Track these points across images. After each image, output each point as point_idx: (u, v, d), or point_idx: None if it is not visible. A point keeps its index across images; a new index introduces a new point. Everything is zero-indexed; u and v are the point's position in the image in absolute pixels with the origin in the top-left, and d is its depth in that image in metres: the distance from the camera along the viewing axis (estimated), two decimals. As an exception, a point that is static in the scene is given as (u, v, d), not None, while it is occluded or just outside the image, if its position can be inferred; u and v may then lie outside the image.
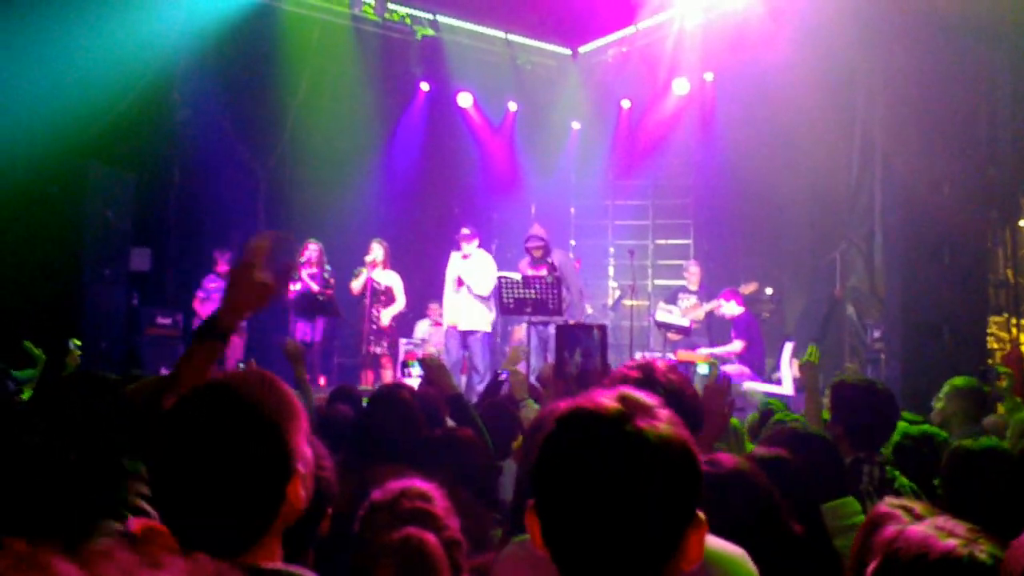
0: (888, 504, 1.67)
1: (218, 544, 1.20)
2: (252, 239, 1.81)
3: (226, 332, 1.72)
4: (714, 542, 1.61)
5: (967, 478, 2.36)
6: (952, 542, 1.31)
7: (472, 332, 8.21)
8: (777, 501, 1.85)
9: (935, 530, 1.35)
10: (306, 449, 1.30)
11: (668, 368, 2.05)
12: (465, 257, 8.25)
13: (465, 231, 8.29)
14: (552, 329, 6.46)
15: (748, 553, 1.66)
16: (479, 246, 8.37)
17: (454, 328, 8.30)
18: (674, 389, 1.92)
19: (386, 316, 8.43)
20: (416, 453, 2.42)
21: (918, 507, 1.60)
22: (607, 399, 1.07)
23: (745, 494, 1.87)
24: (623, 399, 1.07)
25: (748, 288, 8.81)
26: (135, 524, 1.23)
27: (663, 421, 1.05)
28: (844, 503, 2.41)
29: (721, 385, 3.11)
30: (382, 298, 8.51)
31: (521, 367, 7.92)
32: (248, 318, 1.84)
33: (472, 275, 8.16)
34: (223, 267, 8.50)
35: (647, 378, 1.92)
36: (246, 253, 1.77)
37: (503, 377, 6.88)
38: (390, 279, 8.54)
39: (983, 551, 1.31)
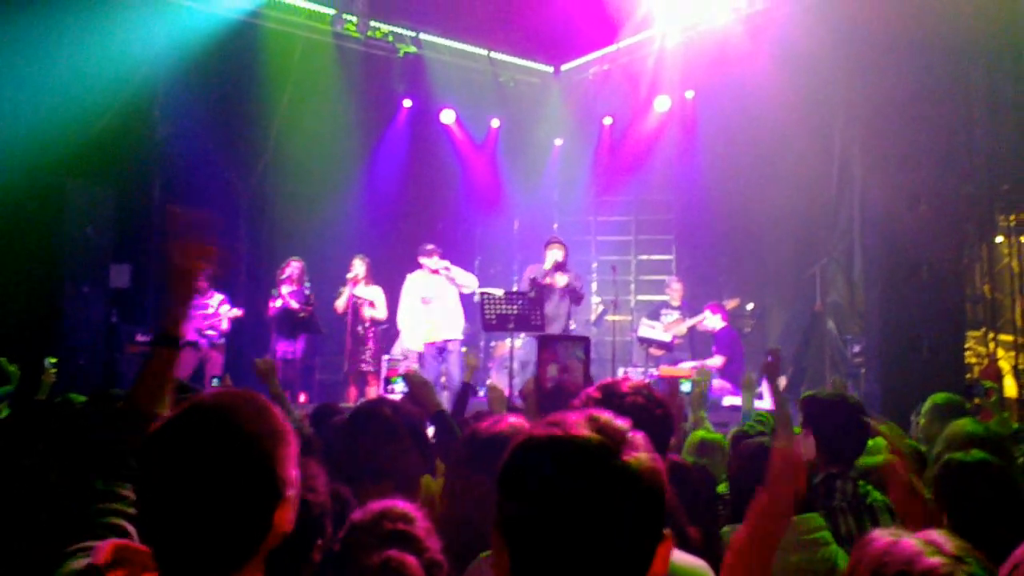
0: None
1: (202, 568, 1.18)
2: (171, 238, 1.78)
3: (171, 336, 1.68)
4: (678, 556, 1.63)
5: (959, 490, 2.37)
6: (937, 560, 1.31)
7: (450, 343, 8.24)
8: (672, 507, 1.86)
9: (924, 545, 1.35)
10: (294, 473, 1.28)
11: (634, 388, 2.02)
12: (434, 272, 8.27)
13: (428, 247, 8.32)
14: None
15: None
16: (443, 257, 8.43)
17: (430, 344, 8.29)
18: (639, 407, 1.92)
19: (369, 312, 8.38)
20: (396, 470, 2.41)
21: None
22: (582, 426, 1.05)
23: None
24: (599, 427, 1.06)
25: (730, 304, 8.87)
26: (104, 549, 1.21)
27: (641, 450, 1.05)
28: (806, 518, 2.41)
29: (675, 392, 3.12)
30: (365, 317, 8.50)
31: (504, 382, 7.97)
32: (187, 310, 1.82)
33: (458, 277, 8.21)
34: (199, 284, 8.45)
35: (607, 399, 1.92)
36: (168, 251, 1.76)
37: (480, 393, 6.87)
38: (373, 293, 8.53)
39: (964, 571, 1.31)
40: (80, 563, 1.30)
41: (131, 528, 1.41)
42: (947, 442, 3.09)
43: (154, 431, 1.25)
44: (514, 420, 2.21)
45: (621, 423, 1.08)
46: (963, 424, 3.21)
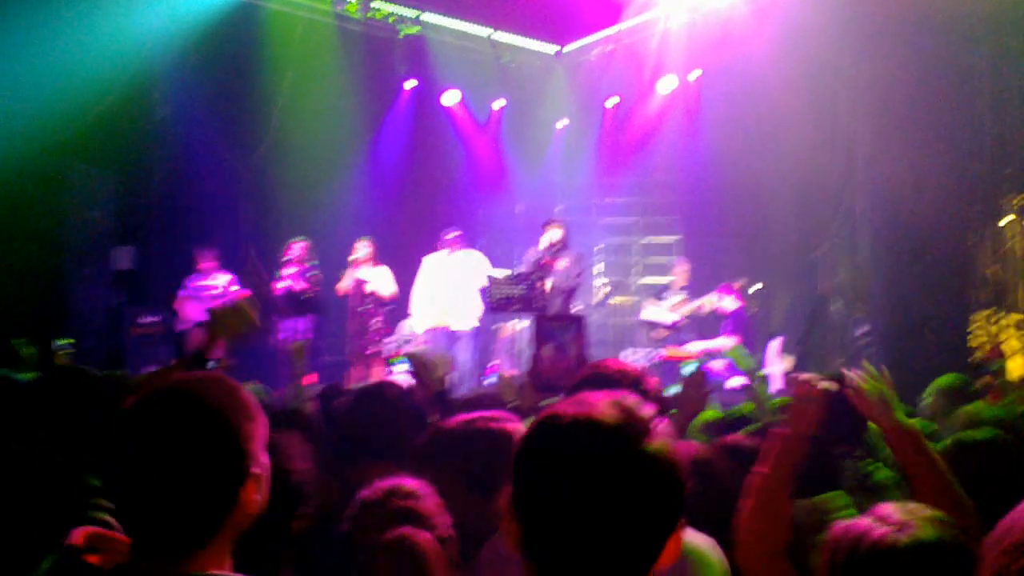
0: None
1: (167, 544, 1.19)
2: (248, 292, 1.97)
3: (207, 361, 1.76)
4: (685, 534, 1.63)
5: (967, 468, 2.36)
6: (882, 531, 1.32)
7: (463, 331, 8.25)
8: (735, 490, 1.88)
9: (875, 520, 1.35)
10: (263, 453, 1.29)
11: (617, 369, 2.09)
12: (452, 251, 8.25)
13: (454, 234, 8.30)
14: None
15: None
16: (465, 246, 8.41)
17: (444, 328, 8.29)
18: (631, 381, 1.95)
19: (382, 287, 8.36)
20: (401, 449, 2.40)
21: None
22: (607, 408, 1.05)
23: (703, 482, 1.90)
24: (625, 411, 1.05)
25: (736, 284, 8.85)
26: (77, 533, 1.22)
27: (664, 438, 1.05)
28: (832, 496, 2.41)
29: (697, 377, 3.14)
30: (370, 298, 8.51)
31: (509, 363, 7.98)
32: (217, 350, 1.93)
33: (478, 273, 8.21)
34: (205, 264, 8.46)
35: (599, 378, 1.94)
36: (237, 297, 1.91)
37: (492, 380, 6.87)
38: (380, 274, 8.52)
39: (907, 535, 1.31)
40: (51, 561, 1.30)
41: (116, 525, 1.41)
42: (965, 426, 3.07)
43: (125, 409, 1.26)
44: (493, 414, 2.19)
45: (646, 408, 1.08)
46: (979, 408, 3.20)
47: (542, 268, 7.80)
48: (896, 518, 1.34)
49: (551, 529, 1.01)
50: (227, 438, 1.23)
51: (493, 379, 6.83)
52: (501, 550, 1.83)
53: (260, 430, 1.29)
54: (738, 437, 2.57)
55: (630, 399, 1.08)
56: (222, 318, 1.77)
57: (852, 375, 2.13)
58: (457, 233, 8.30)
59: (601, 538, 1.00)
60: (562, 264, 7.93)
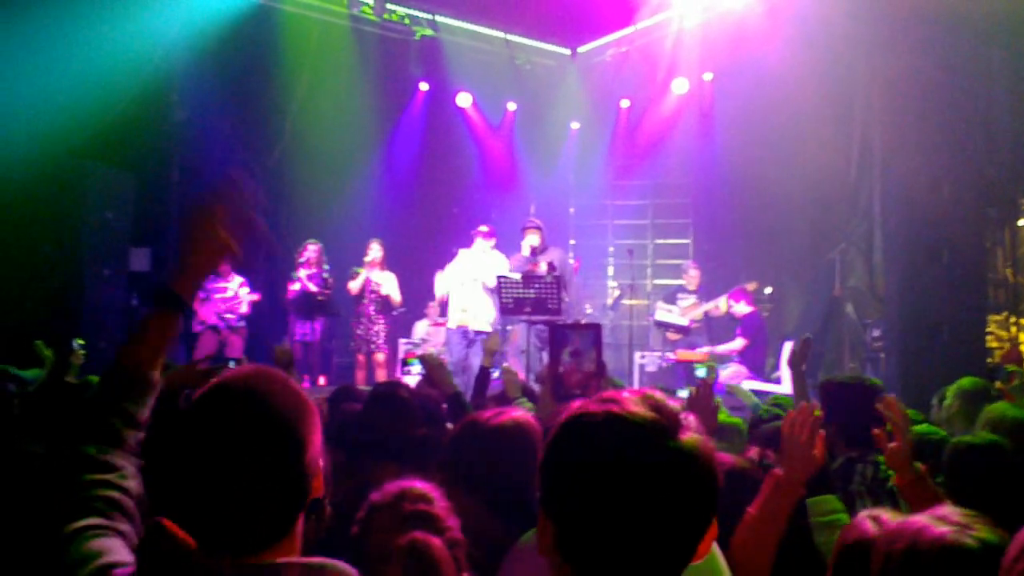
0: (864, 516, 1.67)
1: (243, 545, 1.19)
2: (214, 188, 1.66)
3: (181, 299, 1.53)
4: None
5: (968, 473, 2.36)
6: (944, 528, 1.32)
7: (481, 333, 8.25)
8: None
9: (931, 519, 1.35)
10: (320, 444, 1.30)
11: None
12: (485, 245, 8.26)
13: (483, 228, 8.28)
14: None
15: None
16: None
17: (464, 328, 8.26)
18: None
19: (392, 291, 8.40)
20: (413, 451, 2.42)
21: (886, 515, 1.60)
22: (638, 405, 1.04)
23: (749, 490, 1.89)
24: (655, 406, 1.05)
25: (749, 286, 8.82)
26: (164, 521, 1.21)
27: (695, 431, 1.05)
28: (823, 500, 2.40)
29: (703, 390, 3.13)
30: (378, 301, 8.53)
31: (520, 366, 7.97)
32: (203, 278, 1.65)
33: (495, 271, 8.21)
34: (224, 266, 8.50)
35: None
36: (204, 212, 1.61)
37: (495, 374, 6.88)
38: (386, 279, 8.55)
39: (972, 536, 1.31)
40: (93, 544, 1.27)
41: (126, 500, 1.37)
42: (989, 427, 3.05)
43: (185, 411, 1.25)
44: (517, 414, 2.20)
45: (675, 404, 1.07)
46: (1003, 408, 3.18)
47: (530, 273, 7.74)
48: (955, 518, 1.34)
49: (586, 528, 1.01)
50: (295, 437, 1.23)
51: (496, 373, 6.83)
52: (525, 557, 1.84)
53: (317, 421, 1.30)
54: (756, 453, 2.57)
55: (658, 394, 1.08)
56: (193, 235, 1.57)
57: (891, 409, 2.07)
58: (485, 229, 8.31)
59: (637, 535, 0.99)
60: (543, 266, 7.84)
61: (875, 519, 1.57)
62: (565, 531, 1.02)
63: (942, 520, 1.34)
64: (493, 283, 7.87)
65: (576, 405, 1.08)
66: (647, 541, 1.00)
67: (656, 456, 1.00)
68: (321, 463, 1.28)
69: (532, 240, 7.95)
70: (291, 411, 1.24)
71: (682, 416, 1.05)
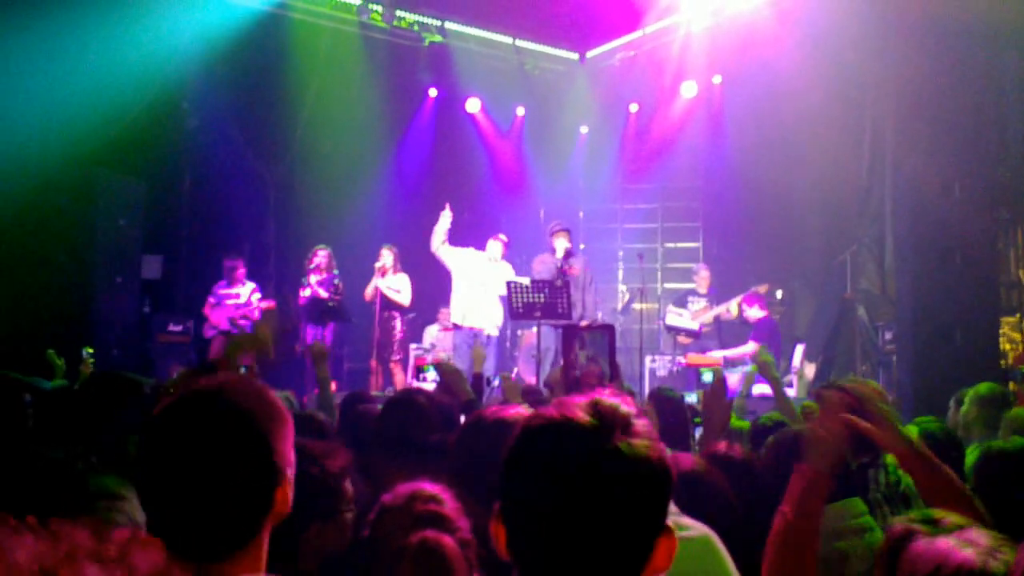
0: (905, 520, 1.65)
1: (207, 548, 1.20)
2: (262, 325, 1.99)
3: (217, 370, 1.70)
4: (681, 522, 1.64)
5: (999, 479, 2.33)
6: (969, 552, 1.31)
7: (490, 337, 8.30)
8: (731, 500, 1.86)
9: (957, 541, 1.34)
10: (291, 454, 1.31)
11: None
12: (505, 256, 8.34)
13: (503, 238, 8.39)
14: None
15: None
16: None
17: (471, 330, 8.31)
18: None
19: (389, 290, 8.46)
20: (428, 457, 2.42)
21: (939, 515, 1.58)
22: (580, 409, 1.04)
23: (702, 492, 1.89)
24: (597, 410, 1.04)
25: (761, 290, 8.80)
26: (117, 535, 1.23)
27: (640, 436, 1.03)
28: (849, 503, 2.38)
29: (716, 387, 3.13)
30: (392, 306, 8.57)
31: (530, 370, 7.98)
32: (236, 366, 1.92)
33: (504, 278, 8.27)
34: (232, 272, 8.54)
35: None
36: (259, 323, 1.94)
37: (495, 383, 6.88)
38: (399, 282, 8.58)
39: (998, 561, 1.30)
40: None
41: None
42: (1012, 431, 3.04)
43: (154, 414, 1.27)
44: (520, 409, 2.21)
45: (626, 408, 1.06)
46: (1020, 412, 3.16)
47: (563, 275, 7.82)
48: (982, 542, 1.33)
49: (530, 531, 1.02)
50: (261, 441, 1.24)
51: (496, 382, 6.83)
52: None
53: (289, 430, 1.31)
54: (724, 447, 2.56)
55: (612, 399, 1.07)
56: (240, 341, 1.78)
57: (853, 388, 2.01)
58: (504, 238, 8.41)
59: (580, 539, 0.99)
60: (577, 267, 7.95)
61: (927, 522, 1.55)
62: (511, 532, 1.04)
63: (969, 544, 1.33)
64: (503, 291, 7.92)
65: (535, 411, 1.09)
66: (583, 545, 0.99)
67: (588, 459, 1.00)
68: (290, 473, 1.28)
69: (564, 243, 8.00)
70: (259, 416, 1.26)
71: (632, 420, 1.04)
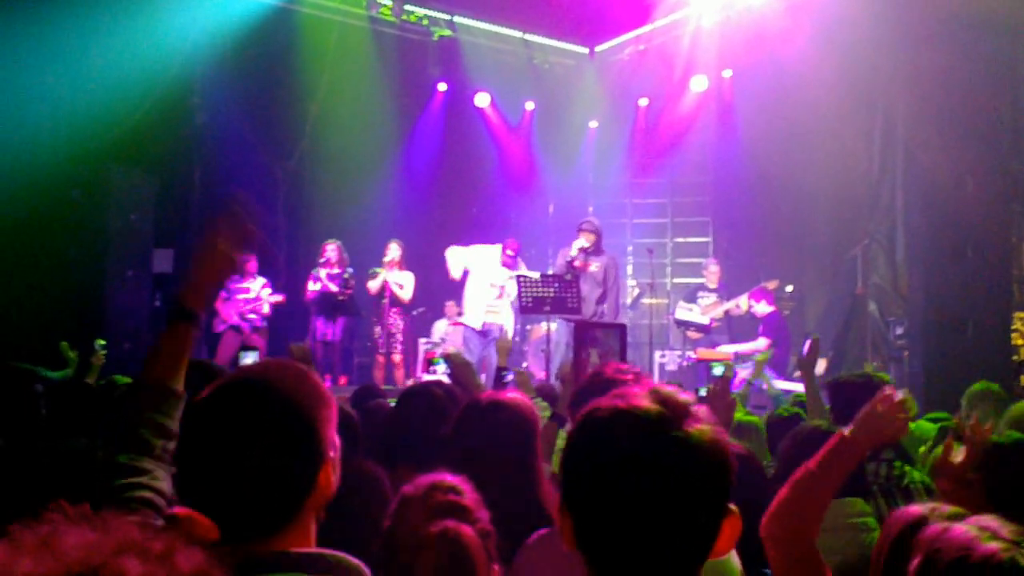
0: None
1: (253, 528, 1.23)
2: (215, 220, 1.79)
3: (193, 312, 1.62)
4: None
5: (1001, 472, 2.33)
6: (995, 545, 1.30)
7: (496, 330, 8.31)
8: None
9: (979, 531, 1.33)
10: (335, 436, 1.33)
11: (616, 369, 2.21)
12: (509, 266, 8.35)
13: (512, 253, 8.42)
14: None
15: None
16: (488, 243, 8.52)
17: (484, 324, 8.35)
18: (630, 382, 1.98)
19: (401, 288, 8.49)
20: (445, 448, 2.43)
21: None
22: (645, 399, 1.06)
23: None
24: (661, 399, 1.07)
25: (770, 285, 8.77)
26: (178, 510, 1.26)
27: (704, 422, 1.06)
28: (850, 502, 2.39)
29: (720, 384, 3.13)
30: (397, 301, 8.58)
31: (539, 364, 7.99)
32: (215, 292, 1.78)
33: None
34: (248, 266, 8.57)
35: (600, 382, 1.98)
36: (208, 231, 1.75)
37: (508, 377, 6.90)
38: (404, 278, 8.60)
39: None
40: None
41: (159, 500, 1.43)
42: (1013, 425, 3.03)
43: (200, 398, 1.29)
44: (512, 395, 2.25)
45: (684, 396, 1.09)
46: (1020, 406, 3.16)
47: (574, 271, 7.80)
48: (1004, 534, 1.32)
49: (599, 520, 1.03)
50: (305, 424, 1.26)
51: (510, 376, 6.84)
52: (540, 551, 1.85)
53: (333, 414, 1.33)
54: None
55: (667, 388, 1.10)
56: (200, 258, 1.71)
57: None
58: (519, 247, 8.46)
59: (648, 525, 1.01)
60: (594, 267, 7.92)
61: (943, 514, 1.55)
62: (580, 523, 1.05)
63: (992, 536, 1.32)
64: (513, 292, 7.99)
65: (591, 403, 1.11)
66: (656, 532, 1.01)
67: (659, 446, 1.02)
68: (333, 454, 1.31)
69: (582, 241, 7.97)
70: (302, 396, 1.28)
71: (692, 408, 1.06)
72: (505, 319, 8.47)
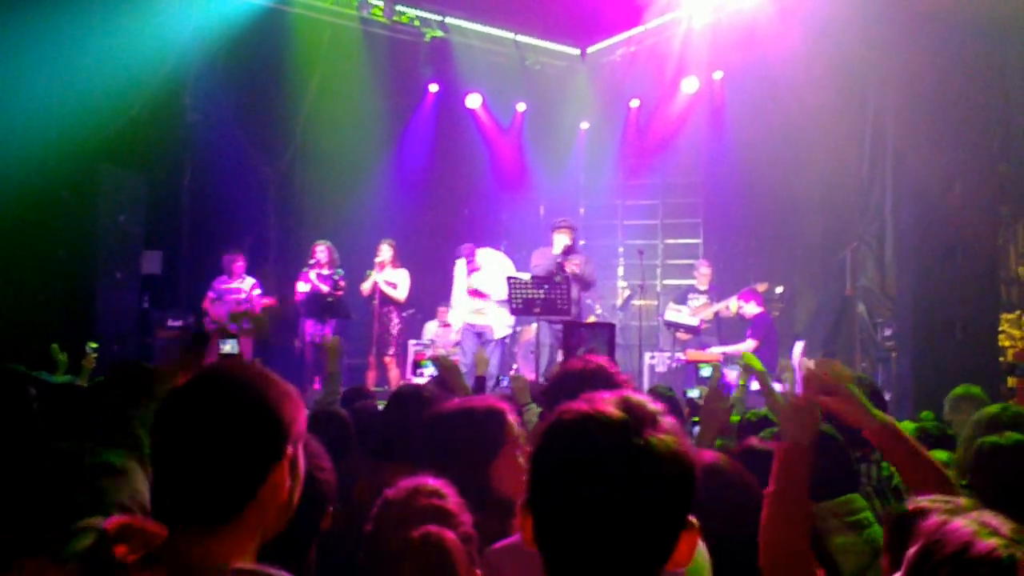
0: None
1: (193, 513, 1.21)
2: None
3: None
4: None
5: (994, 473, 2.34)
6: (993, 542, 1.31)
7: (489, 332, 8.32)
8: (757, 494, 1.87)
9: (979, 526, 1.34)
10: (299, 440, 1.31)
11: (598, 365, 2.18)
12: (476, 270, 8.36)
13: (467, 248, 8.43)
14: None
15: (729, 548, 1.68)
16: (490, 248, 8.50)
17: (471, 326, 8.37)
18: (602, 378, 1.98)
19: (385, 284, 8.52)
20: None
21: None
22: (611, 405, 1.07)
23: (722, 489, 1.90)
24: (627, 406, 1.07)
25: (761, 287, 8.80)
26: (111, 522, 1.24)
27: (667, 431, 1.06)
28: (849, 499, 2.40)
29: (716, 387, 3.15)
30: (390, 301, 8.59)
31: (529, 366, 7.99)
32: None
33: (491, 285, 8.27)
34: (232, 267, 8.56)
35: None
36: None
37: (503, 384, 6.90)
38: (397, 276, 8.60)
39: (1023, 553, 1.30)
40: (87, 541, 1.31)
41: (135, 506, 1.45)
42: (975, 427, 3.05)
43: (171, 391, 1.31)
44: (485, 401, 2.24)
45: (653, 405, 1.09)
46: (991, 408, 3.19)
47: (564, 273, 7.78)
48: (1004, 531, 1.33)
49: (558, 522, 1.04)
50: (262, 411, 1.25)
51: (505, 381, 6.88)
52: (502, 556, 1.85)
53: (300, 416, 1.32)
54: (753, 441, 2.57)
55: (638, 395, 1.10)
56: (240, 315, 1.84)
57: (818, 369, 2.02)
58: (469, 247, 8.50)
59: (604, 531, 1.02)
60: (575, 265, 7.88)
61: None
62: (539, 523, 1.06)
63: (992, 532, 1.33)
64: (497, 290, 8.00)
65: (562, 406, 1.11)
66: (611, 538, 1.02)
67: (619, 452, 1.02)
68: (291, 453, 1.28)
69: (564, 239, 7.97)
70: (268, 388, 1.28)
71: (659, 417, 1.07)
72: (493, 320, 8.46)
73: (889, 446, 2.00)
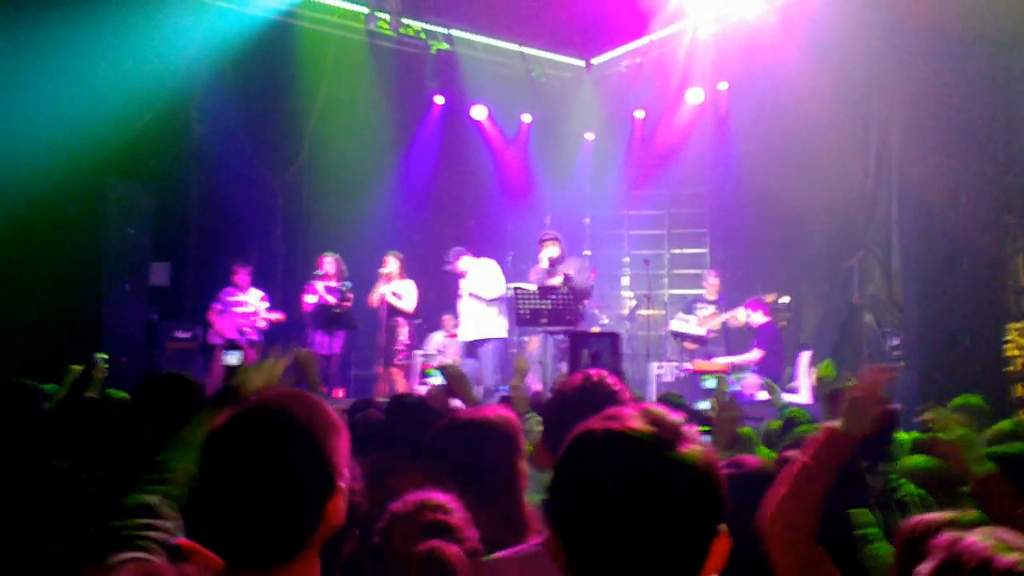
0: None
1: (259, 559, 1.23)
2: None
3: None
4: None
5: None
6: (1014, 556, 1.31)
7: (481, 342, 8.28)
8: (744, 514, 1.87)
9: (995, 541, 1.34)
10: (345, 465, 1.34)
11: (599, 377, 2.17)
12: (462, 276, 8.38)
13: (449, 255, 8.45)
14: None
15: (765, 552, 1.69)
16: (476, 256, 8.54)
17: (464, 340, 8.42)
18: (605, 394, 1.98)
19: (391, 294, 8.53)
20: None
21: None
22: (638, 421, 1.07)
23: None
24: (654, 420, 1.07)
25: (769, 297, 8.79)
26: (181, 541, 1.27)
27: (696, 443, 1.06)
28: (856, 513, 2.41)
29: (728, 405, 3.16)
30: (397, 311, 8.61)
31: (535, 377, 7.98)
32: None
33: (476, 286, 8.27)
34: (239, 279, 8.58)
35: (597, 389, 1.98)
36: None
37: (504, 392, 6.90)
38: (404, 287, 8.62)
39: None
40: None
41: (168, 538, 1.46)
42: (987, 441, 3.04)
43: (215, 428, 1.31)
44: (497, 410, 2.24)
45: (675, 416, 1.09)
46: (1004, 424, 3.18)
47: (570, 284, 7.77)
48: (1021, 545, 1.32)
49: (592, 540, 1.04)
50: (315, 454, 1.27)
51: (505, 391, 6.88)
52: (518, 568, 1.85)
53: (344, 444, 1.34)
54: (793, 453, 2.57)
55: (660, 409, 1.10)
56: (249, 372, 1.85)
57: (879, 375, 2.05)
58: (453, 253, 8.50)
59: (640, 546, 1.02)
60: (557, 280, 7.83)
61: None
62: (570, 542, 1.05)
63: (1009, 548, 1.32)
64: (483, 289, 8.11)
65: (582, 423, 1.11)
66: (647, 553, 1.02)
67: (652, 468, 1.03)
68: (343, 485, 1.31)
69: (551, 252, 7.97)
70: (316, 429, 1.29)
71: (684, 429, 1.07)
72: (489, 330, 8.42)
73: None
